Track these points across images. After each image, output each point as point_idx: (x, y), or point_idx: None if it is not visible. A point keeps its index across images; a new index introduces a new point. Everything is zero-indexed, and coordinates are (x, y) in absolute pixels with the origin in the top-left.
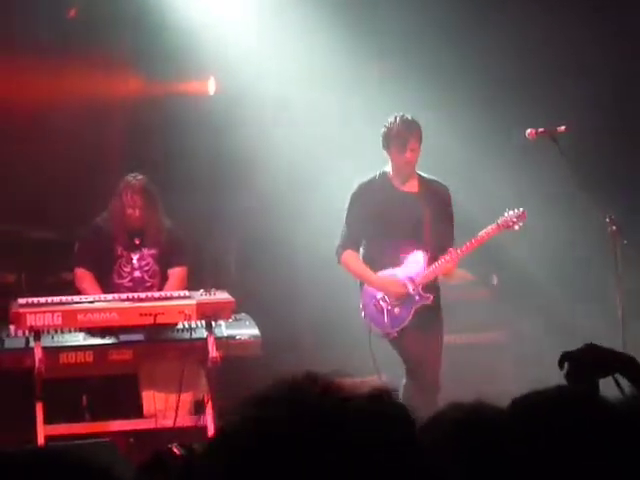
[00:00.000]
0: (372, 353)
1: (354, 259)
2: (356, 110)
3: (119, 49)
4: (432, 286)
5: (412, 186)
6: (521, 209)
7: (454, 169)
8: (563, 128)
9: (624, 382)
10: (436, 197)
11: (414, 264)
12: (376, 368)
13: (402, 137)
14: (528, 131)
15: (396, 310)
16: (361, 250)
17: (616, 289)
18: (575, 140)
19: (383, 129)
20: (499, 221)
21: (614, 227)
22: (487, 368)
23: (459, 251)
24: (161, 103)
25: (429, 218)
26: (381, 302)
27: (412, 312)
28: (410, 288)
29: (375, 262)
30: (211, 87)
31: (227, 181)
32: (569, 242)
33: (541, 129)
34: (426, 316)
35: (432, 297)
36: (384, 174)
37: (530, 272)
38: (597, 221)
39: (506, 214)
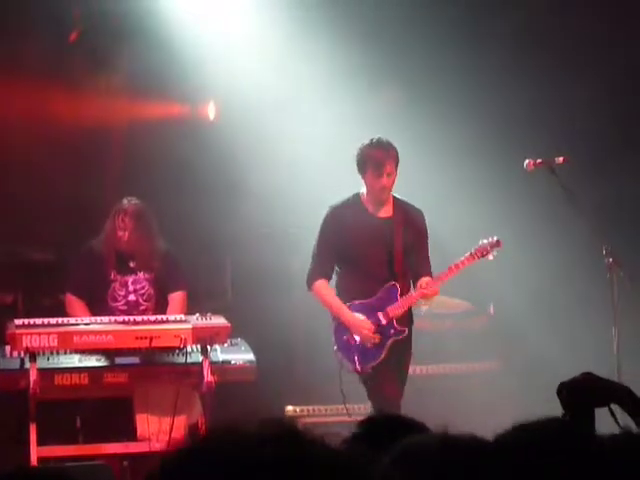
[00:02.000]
0: (341, 388)
1: (326, 290)
2: (359, 137)
3: (117, 73)
4: (406, 317)
5: (387, 211)
6: (495, 237)
7: (452, 197)
8: (561, 159)
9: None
10: (411, 222)
11: (387, 296)
12: (343, 398)
13: (378, 161)
14: (526, 162)
15: (368, 345)
16: (333, 277)
17: (613, 321)
18: (574, 171)
19: (357, 152)
20: (473, 250)
21: (611, 259)
22: (480, 398)
23: (437, 277)
24: (160, 127)
25: (403, 245)
26: (354, 336)
27: (386, 348)
28: (383, 321)
29: (346, 291)
30: (211, 112)
31: (225, 206)
32: (566, 273)
33: (539, 160)
34: (399, 350)
35: (406, 330)
36: (357, 197)
37: (527, 302)
38: (595, 252)
39: (481, 242)
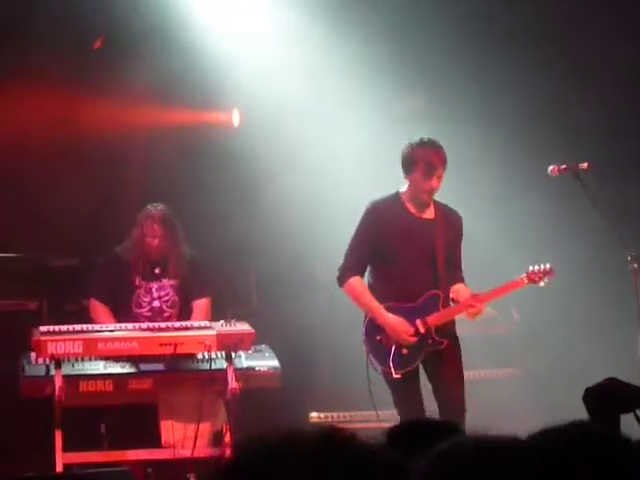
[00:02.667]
0: (370, 389)
1: (362, 288)
2: (383, 143)
3: (142, 80)
4: (448, 331)
5: (428, 213)
6: (548, 265)
7: (481, 202)
8: (586, 165)
9: None
10: (452, 225)
11: (428, 304)
12: (373, 404)
13: (431, 162)
14: (550, 168)
15: (404, 351)
16: (366, 276)
17: (638, 327)
18: (597, 176)
19: (407, 150)
20: (524, 275)
21: (635, 265)
22: (504, 404)
23: (484, 296)
24: (184, 134)
25: (444, 248)
26: (389, 340)
27: (422, 356)
28: (421, 330)
29: (382, 291)
30: (235, 119)
31: (249, 211)
32: (590, 279)
33: (563, 166)
34: (440, 360)
35: (446, 342)
36: (398, 196)
37: (551, 309)
38: (619, 259)
39: (532, 268)
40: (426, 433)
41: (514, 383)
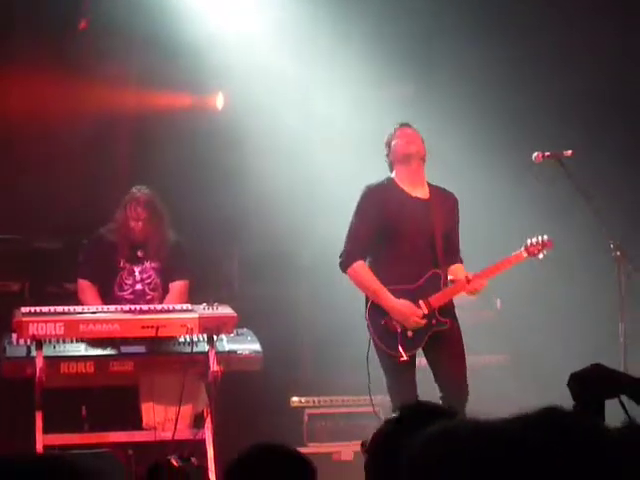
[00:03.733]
0: (368, 372)
1: (366, 272)
2: (370, 131)
3: (127, 62)
4: (448, 310)
5: (423, 193)
6: (546, 237)
7: (470, 189)
8: (570, 152)
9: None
10: (447, 206)
11: (430, 284)
12: (369, 388)
13: (406, 133)
14: (535, 155)
15: (409, 333)
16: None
17: (619, 314)
18: (582, 164)
19: (387, 138)
20: (523, 248)
21: (619, 252)
22: (487, 390)
23: (484, 272)
24: (169, 117)
25: (441, 228)
26: (393, 322)
27: (427, 337)
28: (425, 310)
29: (379, 275)
30: (219, 102)
31: (233, 195)
32: (573, 266)
33: (547, 153)
34: (442, 340)
35: (449, 322)
36: (391, 180)
37: (534, 295)
38: (604, 244)
39: (530, 241)
40: (425, 415)
41: (498, 370)
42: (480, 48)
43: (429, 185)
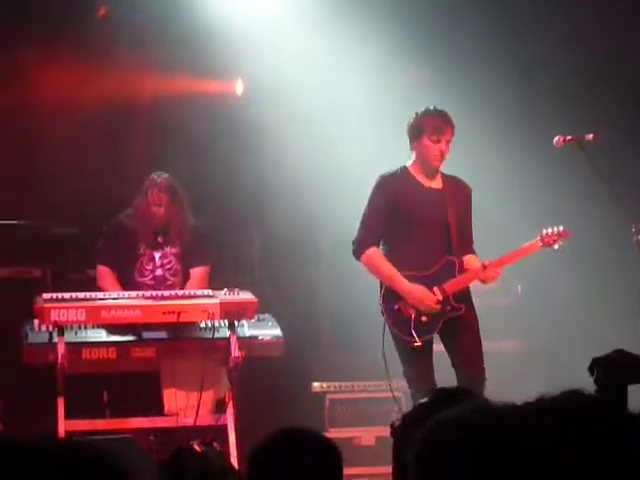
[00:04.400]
0: (384, 357)
1: (380, 258)
2: (388, 114)
3: (144, 49)
4: (464, 296)
5: (436, 183)
6: (562, 227)
7: (488, 175)
8: (591, 136)
9: None
10: (460, 195)
11: (445, 271)
12: (387, 373)
13: (437, 127)
14: (556, 139)
15: (423, 318)
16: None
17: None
18: (604, 148)
19: (413, 119)
20: (539, 238)
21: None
22: (506, 376)
23: (499, 261)
24: (188, 103)
25: (455, 218)
26: (407, 307)
27: (441, 323)
28: (439, 297)
29: (393, 262)
30: (239, 88)
31: (252, 180)
32: (595, 251)
33: (569, 137)
34: (458, 325)
35: (464, 308)
36: (405, 169)
37: (554, 282)
38: (624, 230)
39: (545, 231)
40: (449, 400)
41: (517, 356)
42: (498, 30)
43: (442, 175)
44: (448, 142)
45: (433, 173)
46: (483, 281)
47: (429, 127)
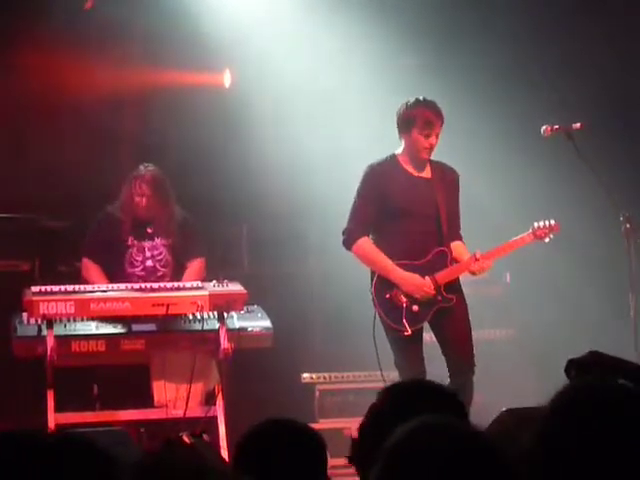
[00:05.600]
0: (376, 346)
1: (372, 247)
2: (375, 105)
3: (134, 40)
4: (454, 286)
5: (426, 172)
6: (553, 221)
7: (476, 165)
8: (579, 125)
9: None
10: (448, 183)
11: (437, 261)
12: (379, 362)
13: (429, 120)
14: (543, 128)
15: (414, 307)
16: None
17: (630, 288)
18: (591, 137)
19: (403, 109)
20: (530, 231)
21: (628, 225)
22: (497, 365)
23: (491, 252)
24: (176, 94)
25: (445, 206)
26: (399, 296)
27: (432, 312)
28: (432, 287)
29: (384, 252)
30: (227, 80)
31: (240, 172)
32: (583, 240)
33: (556, 126)
34: (447, 314)
35: (455, 298)
36: (394, 158)
37: (543, 270)
38: (612, 219)
39: (537, 224)
40: (415, 394)
41: (507, 345)
42: (489, 21)
43: (430, 162)
44: (437, 135)
45: (422, 164)
46: (473, 273)
47: (419, 120)
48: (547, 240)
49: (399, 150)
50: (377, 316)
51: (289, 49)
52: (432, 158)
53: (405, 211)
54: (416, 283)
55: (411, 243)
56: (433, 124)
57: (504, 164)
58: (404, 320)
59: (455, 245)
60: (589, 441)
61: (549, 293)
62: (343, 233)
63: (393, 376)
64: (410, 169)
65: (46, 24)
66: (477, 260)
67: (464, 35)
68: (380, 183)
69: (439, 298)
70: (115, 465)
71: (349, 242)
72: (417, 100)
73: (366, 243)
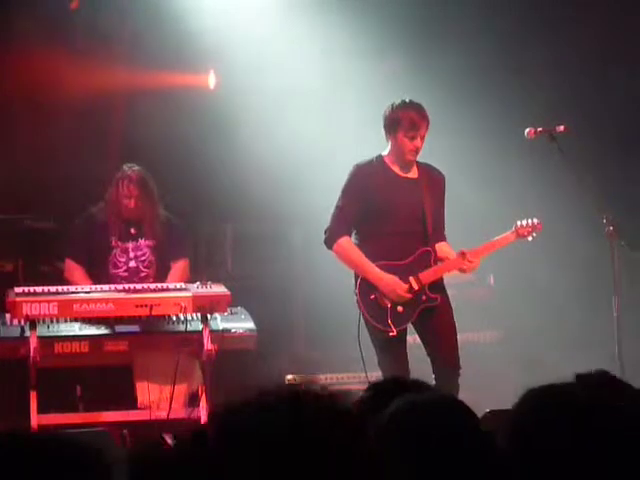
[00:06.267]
0: (360, 347)
1: (352, 248)
2: (363, 107)
3: (119, 41)
4: (438, 286)
5: (412, 173)
6: (536, 220)
7: (460, 166)
8: (562, 128)
9: None
10: (435, 184)
11: (420, 261)
12: (363, 363)
13: (414, 122)
14: (527, 130)
15: (399, 308)
16: (353, 238)
17: (613, 289)
18: (575, 140)
19: (389, 111)
20: (513, 229)
21: (611, 227)
22: (482, 367)
23: (476, 251)
24: (161, 96)
25: (431, 206)
26: (383, 298)
27: (417, 313)
28: (415, 287)
29: (368, 252)
30: (211, 81)
31: (225, 173)
32: (566, 242)
33: (540, 128)
34: (432, 314)
35: (439, 298)
36: (381, 158)
37: (527, 272)
38: (595, 220)
39: (520, 223)
40: (397, 391)
41: (492, 347)
42: (475, 20)
43: (417, 163)
44: (423, 138)
45: (408, 165)
46: (463, 271)
47: (405, 122)
48: (530, 239)
49: (385, 151)
50: (362, 317)
51: (274, 50)
52: (419, 159)
53: (390, 211)
54: (392, 285)
55: (396, 243)
56: (418, 126)
57: (487, 165)
58: (389, 321)
59: (440, 245)
60: (552, 440)
61: (533, 295)
62: (325, 232)
63: (377, 376)
64: (396, 170)
65: (32, 24)
66: (465, 257)
67: (448, 35)
68: (366, 183)
69: (423, 298)
70: (100, 465)
71: (330, 241)
72: (403, 102)
73: (347, 243)
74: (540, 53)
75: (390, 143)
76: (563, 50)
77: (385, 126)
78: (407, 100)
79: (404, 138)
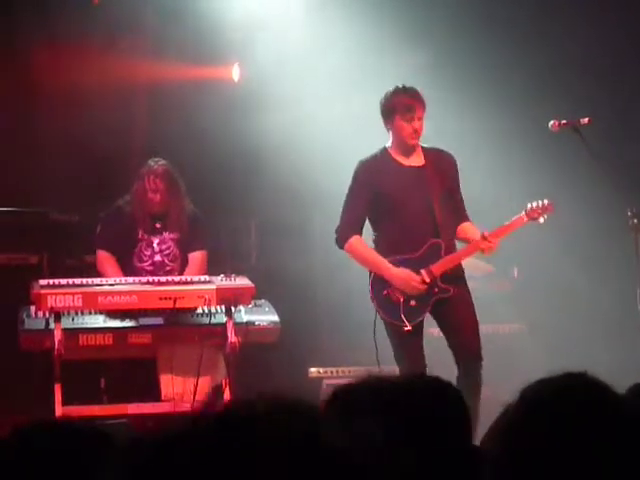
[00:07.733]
0: (375, 342)
1: (363, 246)
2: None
3: (144, 34)
4: (455, 275)
5: (417, 160)
6: (546, 201)
7: (480, 158)
8: (586, 120)
9: None
10: (444, 168)
11: (431, 253)
12: (377, 359)
13: (407, 105)
14: (551, 123)
15: (412, 302)
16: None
17: (636, 282)
18: (599, 132)
19: (383, 99)
20: (524, 212)
21: (635, 220)
22: (504, 360)
23: (492, 233)
24: (184, 88)
25: (439, 194)
26: (396, 292)
27: (430, 305)
28: (427, 279)
29: (379, 247)
30: (235, 74)
31: (248, 166)
32: (590, 234)
33: (564, 121)
34: (450, 305)
35: (453, 289)
36: (385, 150)
37: (551, 264)
38: (619, 214)
39: (530, 205)
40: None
41: (514, 340)
42: (494, 15)
43: (423, 149)
44: (420, 119)
45: (411, 151)
46: (482, 251)
47: (400, 107)
48: (542, 220)
49: (389, 143)
50: (377, 313)
51: (298, 44)
52: (428, 145)
53: (396, 205)
54: (405, 279)
55: (407, 236)
56: (414, 108)
57: (507, 160)
58: (402, 316)
59: (465, 226)
60: (549, 437)
61: (557, 287)
62: (335, 232)
63: (394, 371)
64: (401, 159)
65: (55, 18)
66: (485, 238)
67: (465, 34)
68: (371, 178)
69: (435, 290)
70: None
71: (341, 241)
72: (396, 88)
73: (357, 242)
74: (564, 48)
75: (391, 132)
76: (587, 45)
77: (383, 116)
78: (400, 86)
79: (401, 121)
